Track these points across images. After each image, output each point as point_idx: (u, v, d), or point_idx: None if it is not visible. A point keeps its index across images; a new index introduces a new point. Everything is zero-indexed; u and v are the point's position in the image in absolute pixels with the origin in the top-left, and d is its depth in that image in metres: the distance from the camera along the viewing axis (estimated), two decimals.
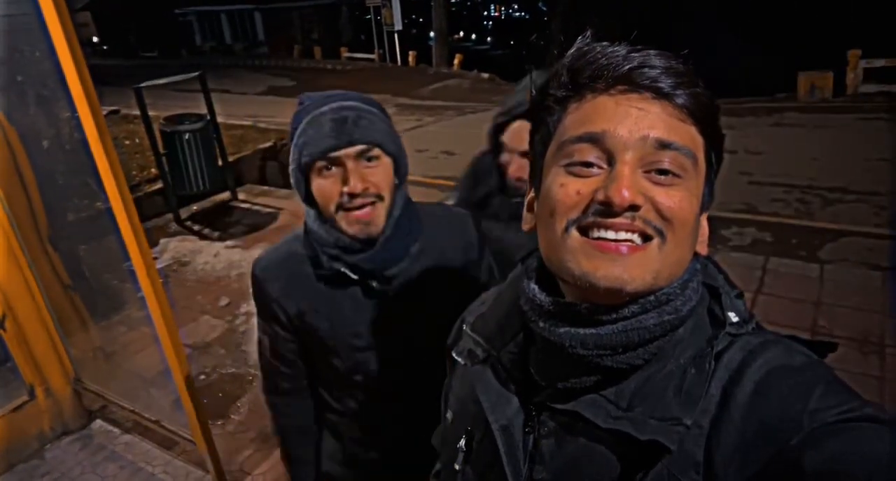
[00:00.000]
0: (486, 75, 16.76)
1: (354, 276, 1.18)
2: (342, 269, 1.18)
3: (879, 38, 11.64)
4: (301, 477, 1.45)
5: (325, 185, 1.12)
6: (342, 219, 1.13)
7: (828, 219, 5.07)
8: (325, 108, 1.12)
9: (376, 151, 1.12)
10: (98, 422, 3.06)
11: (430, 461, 1.23)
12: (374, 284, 1.20)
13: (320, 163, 1.10)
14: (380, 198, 1.13)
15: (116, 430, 3.00)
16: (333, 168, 1.11)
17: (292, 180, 1.17)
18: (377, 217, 1.14)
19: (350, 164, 1.10)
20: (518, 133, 1.50)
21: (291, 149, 1.15)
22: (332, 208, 1.13)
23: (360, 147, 1.10)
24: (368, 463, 1.40)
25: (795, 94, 10.32)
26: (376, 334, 1.24)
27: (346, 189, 1.09)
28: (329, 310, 1.23)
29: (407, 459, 1.34)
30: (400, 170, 1.18)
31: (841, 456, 0.48)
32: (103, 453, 2.86)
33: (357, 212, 1.12)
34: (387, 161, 1.14)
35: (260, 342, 1.38)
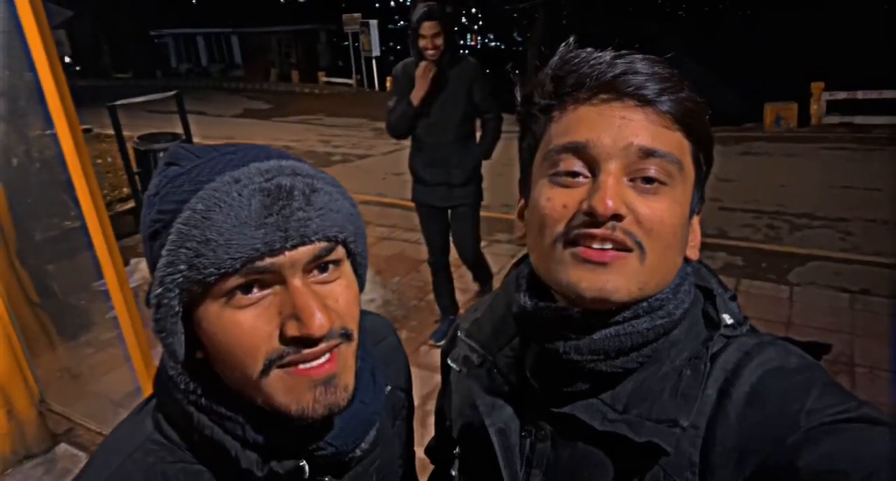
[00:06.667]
0: None
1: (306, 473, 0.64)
2: (280, 466, 0.62)
3: (841, 72, 12.12)
4: None
5: (245, 322, 0.57)
6: (282, 384, 0.58)
7: (796, 243, 5.18)
8: (250, 170, 0.58)
9: (339, 252, 0.62)
10: (63, 446, 2.95)
11: None
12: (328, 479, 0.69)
13: (235, 281, 0.56)
14: (347, 336, 0.62)
15: (82, 454, 2.89)
16: (263, 289, 0.58)
17: (156, 316, 0.58)
18: (345, 371, 0.62)
19: (297, 281, 0.58)
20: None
21: (158, 251, 0.58)
22: (260, 365, 0.57)
23: (317, 246, 0.59)
24: None
25: (762, 124, 10.66)
26: None
27: (296, 330, 0.57)
28: None
29: None
30: (359, 274, 0.68)
31: (837, 455, 0.48)
32: (68, 477, 2.75)
33: (313, 367, 0.59)
34: (348, 268, 0.65)
35: None
